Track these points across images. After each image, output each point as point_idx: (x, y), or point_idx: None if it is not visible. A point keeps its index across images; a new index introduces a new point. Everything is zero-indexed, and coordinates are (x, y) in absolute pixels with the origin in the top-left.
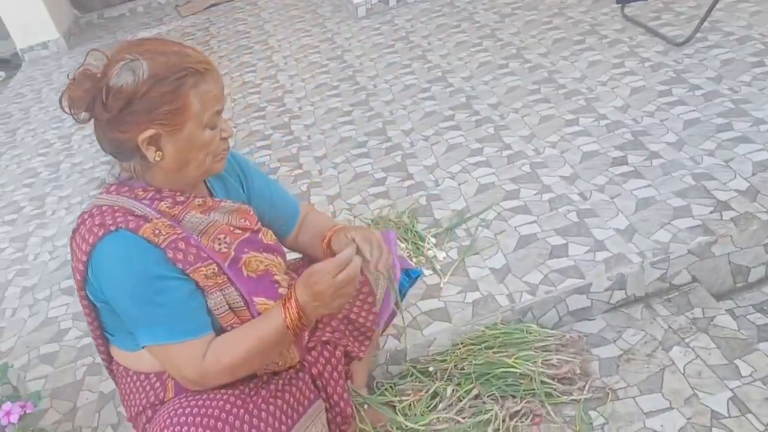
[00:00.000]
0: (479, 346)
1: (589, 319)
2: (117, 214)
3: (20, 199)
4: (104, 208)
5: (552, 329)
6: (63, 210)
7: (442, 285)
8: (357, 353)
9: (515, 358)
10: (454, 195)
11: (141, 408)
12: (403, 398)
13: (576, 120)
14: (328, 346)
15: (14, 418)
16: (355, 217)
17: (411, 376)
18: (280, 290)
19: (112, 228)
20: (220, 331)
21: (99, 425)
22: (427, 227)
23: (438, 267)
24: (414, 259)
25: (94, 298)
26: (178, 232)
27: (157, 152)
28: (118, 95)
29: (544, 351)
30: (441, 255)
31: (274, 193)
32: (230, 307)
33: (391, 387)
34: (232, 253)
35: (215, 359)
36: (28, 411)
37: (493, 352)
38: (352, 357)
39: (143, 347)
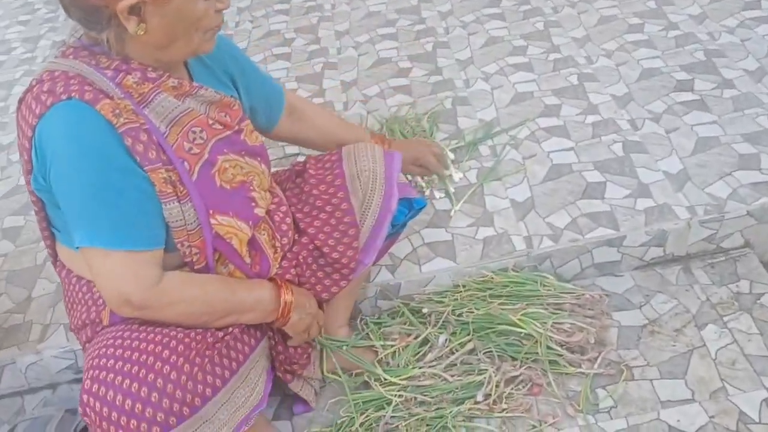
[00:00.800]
0: (484, 293)
1: (616, 275)
2: (72, 81)
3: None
4: (57, 74)
5: (571, 281)
6: None
7: (452, 213)
8: (319, 294)
9: (522, 315)
10: (485, 101)
11: (81, 322)
12: (388, 343)
13: (641, 26)
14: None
15: None
16: (368, 112)
17: (401, 315)
18: (256, 210)
19: (63, 96)
20: (172, 249)
21: (51, 322)
22: (447, 137)
23: (452, 190)
24: (425, 177)
25: (35, 185)
26: (141, 121)
27: (140, 24)
28: None
29: (556, 310)
30: (457, 175)
31: (263, 80)
32: (185, 223)
33: (376, 326)
34: (206, 154)
35: (176, 289)
36: None
37: (498, 304)
38: (319, 299)
39: (78, 249)
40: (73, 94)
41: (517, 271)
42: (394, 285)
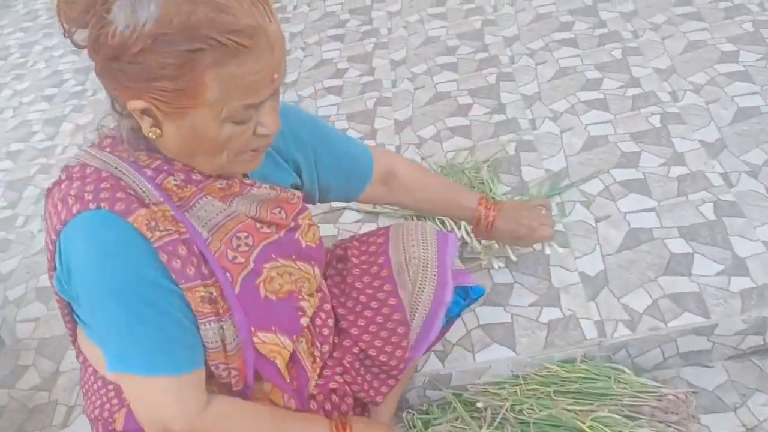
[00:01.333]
0: (547, 389)
1: (706, 366)
2: (103, 185)
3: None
4: (89, 171)
5: (650, 371)
6: None
7: (513, 287)
8: (372, 398)
9: (592, 420)
10: (553, 147)
11: (94, 415)
12: None
13: (735, 54)
14: (334, 396)
15: None
16: (423, 159)
17: (452, 409)
18: (302, 321)
19: (92, 205)
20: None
21: (76, 404)
22: (509, 191)
23: (513, 257)
24: (482, 241)
25: (59, 287)
26: (181, 230)
27: (153, 128)
28: (106, 39)
29: (633, 412)
30: None
31: (342, 149)
32: (223, 344)
33: (423, 424)
34: (251, 263)
35: (224, 417)
36: None
37: (564, 403)
38: (366, 403)
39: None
40: (102, 204)
41: (588, 362)
42: (445, 375)
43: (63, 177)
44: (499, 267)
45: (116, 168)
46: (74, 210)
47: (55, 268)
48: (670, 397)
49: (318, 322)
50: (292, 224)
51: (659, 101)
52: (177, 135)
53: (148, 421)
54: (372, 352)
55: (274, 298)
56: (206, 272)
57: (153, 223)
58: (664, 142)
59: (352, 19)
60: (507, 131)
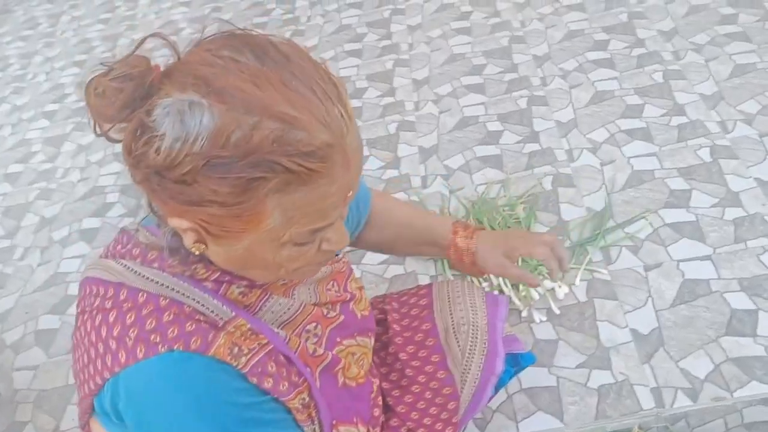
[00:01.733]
0: None
1: None
2: (166, 316)
3: None
4: (141, 299)
5: None
6: None
7: (557, 344)
8: None
9: None
10: (594, 182)
11: None
12: None
13: None
14: None
15: None
16: (451, 192)
17: None
18: (375, 411)
19: (161, 348)
20: None
21: None
22: (548, 231)
23: (556, 310)
24: (521, 292)
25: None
26: (263, 342)
27: (197, 243)
28: (146, 150)
29: None
30: (562, 291)
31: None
32: None
33: None
34: (329, 357)
35: None
36: None
37: None
38: None
39: None
40: (176, 345)
41: None
42: None
43: (108, 305)
44: (541, 321)
45: (174, 290)
46: (140, 355)
47: (93, 406)
48: None
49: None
50: (348, 296)
51: (708, 132)
52: (225, 255)
53: None
54: (421, 430)
55: (354, 385)
56: (296, 378)
57: (236, 349)
58: (716, 179)
59: (370, 33)
60: (542, 163)
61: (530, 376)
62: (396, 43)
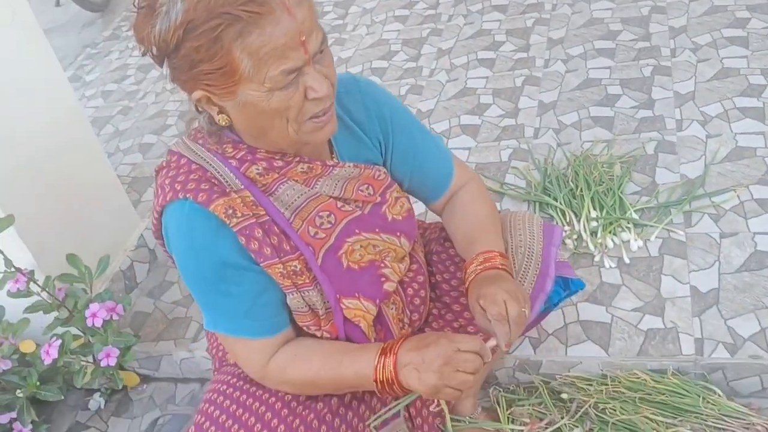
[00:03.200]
0: (635, 394)
1: None
2: (192, 176)
3: None
4: (182, 162)
5: (748, 397)
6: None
7: (620, 289)
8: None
9: None
10: (695, 152)
11: (212, 353)
12: (516, 428)
13: None
14: None
15: (98, 322)
16: (559, 145)
17: (538, 394)
18: (386, 286)
19: (180, 195)
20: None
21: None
22: (637, 192)
23: (627, 260)
24: (598, 239)
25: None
26: (260, 213)
27: (221, 115)
28: (156, 46)
29: None
30: (636, 244)
31: (424, 153)
32: (311, 309)
33: (507, 403)
34: (332, 240)
35: (279, 372)
36: (114, 317)
37: (650, 411)
38: None
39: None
40: (188, 195)
41: (680, 376)
42: (535, 362)
43: (165, 163)
44: (610, 267)
45: (204, 159)
46: (168, 197)
47: (161, 238)
48: (759, 427)
49: (410, 291)
50: (379, 199)
51: None
52: (240, 115)
53: (234, 359)
54: (471, 329)
55: (356, 267)
56: (288, 248)
57: (231, 210)
58: None
59: None
60: (651, 129)
61: (588, 311)
62: (540, 2)
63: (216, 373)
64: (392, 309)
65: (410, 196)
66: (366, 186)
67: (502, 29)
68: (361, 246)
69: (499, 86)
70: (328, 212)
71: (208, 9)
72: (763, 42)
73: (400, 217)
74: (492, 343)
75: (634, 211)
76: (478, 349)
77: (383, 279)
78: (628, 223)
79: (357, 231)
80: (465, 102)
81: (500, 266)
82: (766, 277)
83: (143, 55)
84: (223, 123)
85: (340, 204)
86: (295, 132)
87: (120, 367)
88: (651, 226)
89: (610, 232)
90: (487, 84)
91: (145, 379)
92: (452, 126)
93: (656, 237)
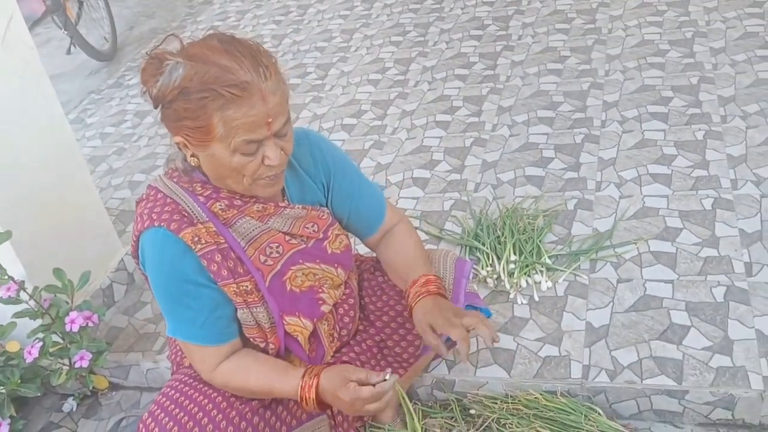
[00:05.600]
0: (530, 411)
1: (677, 426)
2: (166, 208)
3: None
4: (159, 196)
5: (628, 419)
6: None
7: (528, 322)
8: None
9: None
10: (608, 209)
11: (172, 359)
12: None
13: None
14: None
15: (75, 328)
16: (494, 198)
17: (450, 410)
18: (323, 308)
19: (156, 223)
20: (244, 337)
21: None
22: (555, 241)
23: (537, 298)
24: (514, 279)
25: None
26: (220, 241)
27: (192, 157)
28: (156, 94)
29: None
30: (546, 285)
31: (360, 194)
32: (257, 323)
33: (423, 414)
34: (279, 267)
35: (224, 378)
36: (90, 324)
37: (539, 426)
38: None
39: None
40: (162, 224)
41: (568, 397)
42: (449, 381)
43: (144, 195)
44: (522, 303)
45: (177, 195)
46: (146, 225)
47: (137, 257)
48: None
49: (341, 311)
50: (322, 236)
51: (719, 186)
52: (207, 163)
53: (191, 363)
54: (390, 343)
55: (297, 290)
56: (242, 271)
57: (196, 238)
58: (708, 224)
59: (572, 57)
60: (574, 188)
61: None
62: (496, 74)
63: (174, 374)
64: (325, 325)
65: (350, 233)
66: (311, 224)
67: (460, 96)
68: (303, 273)
69: (450, 145)
70: (277, 244)
71: (202, 82)
72: (680, 118)
73: (339, 251)
74: (388, 374)
75: (549, 257)
76: (375, 395)
77: (321, 302)
78: (542, 266)
79: (301, 261)
80: (419, 158)
81: (437, 290)
82: (650, 317)
83: (142, 93)
84: (194, 164)
85: (288, 238)
86: (248, 186)
87: (91, 370)
88: (560, 270)
89: (525, 274)
90: (440, 143)
91: (114, 386)
92: (405, 178)
93: (564, 279)
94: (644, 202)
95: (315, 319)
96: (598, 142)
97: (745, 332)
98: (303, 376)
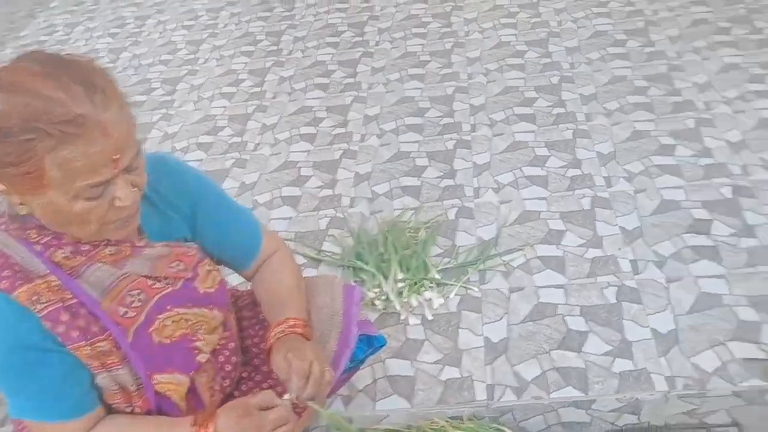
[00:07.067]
0: None
1: None
2: None
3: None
4: None
5: None
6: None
7: (423, 344)
8: None
9: None
10: (490, 216)
11: None
12: None
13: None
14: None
15: None
16: (372, 213)
17: None
18: (199, 357)
19: None
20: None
21: None
22: (440, 254)
23: (430, 316)
24: (404, 299)
25: None
26: (66, 297)
27: (21, 205)
28: None
29: None
30: (438, 302)
31: (232, 221)
32: (121, 387)
33: None
34: (142, 317)
35: None
36: None
37: None
38: None
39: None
40: None
41: (475, 421)
42: (347, 418)
43: None
44: (415, 324)
45: (7, 246)
46: None
47: None
48: None
49: (222, 359)
50: (190, 274)
51: (594, 185)
52: (43, 212)
53: None
54: (279, 388)
55: (168, 342)
56: (96, 330)
57: (35, 297)
58: (589, 224)
59: (432, 61)
60: (453, 197)
61: (394, 366)
62: (358, 81)
63: None
64: (204, 377)
65: (224, 267)
66: (177, 263)
67: (323, 106)
68: (172, 321)
69: (318, 159)
70: (138, 290)
71: (24, 120)
72: (547, 118)
73: (212, 290)
74: (287, 396)
75: (437, 271)
76: (285, 416)
77: (196, 351)
78: (431, 282)
79: (169, 307)
80: (287, 174)
81: (303, 334)
82: (546, 325)
83: None
84: (23, 212)
85: (151, 282)
86: (96, 231)
87: None
88: (450, 284)
89: (415, 292)
90: (308, 157)
91: None
92: (274, 197)
93: (455, 294)
94: (525, 206)
95: (191, 372)
96: (470, 147)
97: (641, 332)
98: (194, 424)
